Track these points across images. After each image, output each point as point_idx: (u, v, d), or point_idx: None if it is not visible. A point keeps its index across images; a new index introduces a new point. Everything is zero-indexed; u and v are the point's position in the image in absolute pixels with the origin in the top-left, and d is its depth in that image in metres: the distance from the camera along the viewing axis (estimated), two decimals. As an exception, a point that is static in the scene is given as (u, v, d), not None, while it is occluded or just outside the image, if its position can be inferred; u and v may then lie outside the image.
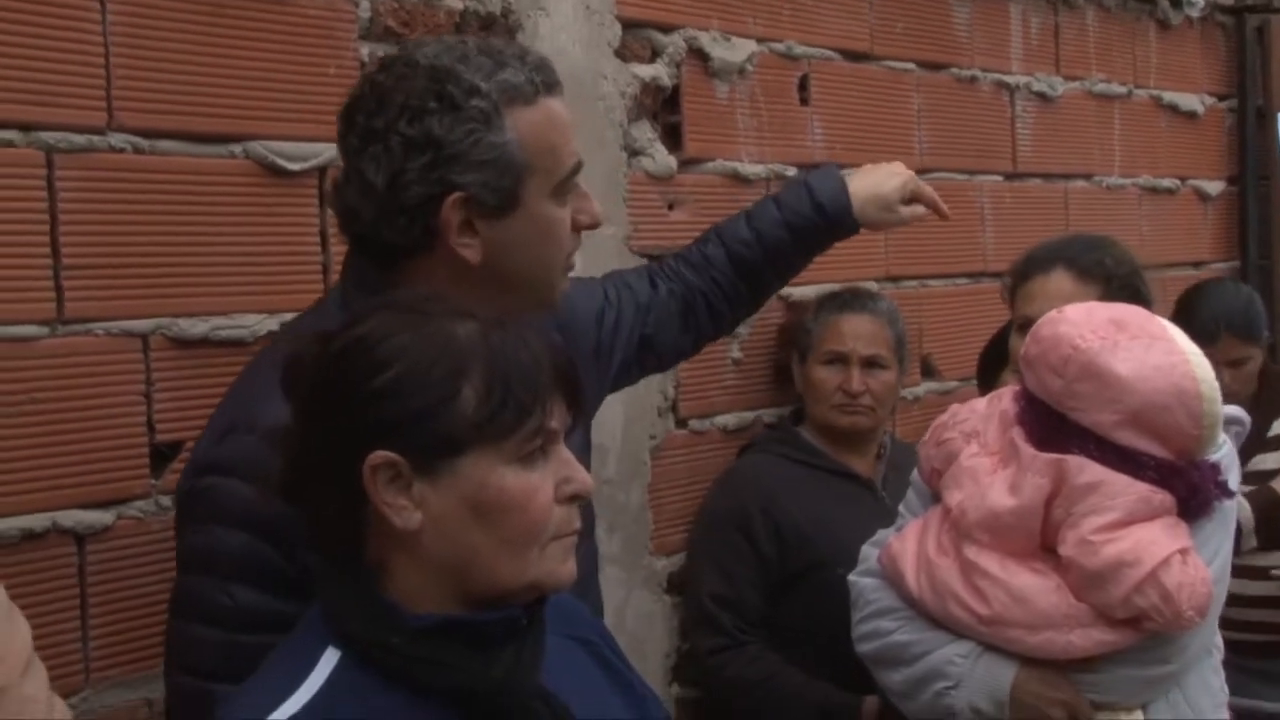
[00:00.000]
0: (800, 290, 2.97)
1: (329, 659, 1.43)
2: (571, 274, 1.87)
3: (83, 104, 1.96)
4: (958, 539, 2.26)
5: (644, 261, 2.70)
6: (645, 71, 2.73)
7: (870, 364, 2.85)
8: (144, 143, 2.03)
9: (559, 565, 1.48)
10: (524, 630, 1.47)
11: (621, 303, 2.18)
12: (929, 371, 3.47)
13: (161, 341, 2.04)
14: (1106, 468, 2.13)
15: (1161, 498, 2.13)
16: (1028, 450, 2.21)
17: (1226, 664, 2.42)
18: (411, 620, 1.42)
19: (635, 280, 2.25)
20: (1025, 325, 2.39)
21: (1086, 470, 2.14)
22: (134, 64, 2.01)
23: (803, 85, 3.08)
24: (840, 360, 2.83)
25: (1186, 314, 3.27)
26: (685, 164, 2.82)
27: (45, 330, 1.92)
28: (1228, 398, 2.56)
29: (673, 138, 2.82)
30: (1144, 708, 2.24)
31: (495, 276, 1.71)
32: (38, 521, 1.91)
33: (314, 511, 1.46)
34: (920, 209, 2.39)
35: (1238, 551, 2.62)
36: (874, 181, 2.35)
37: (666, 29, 2.78)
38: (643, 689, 1.70)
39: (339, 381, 1.42)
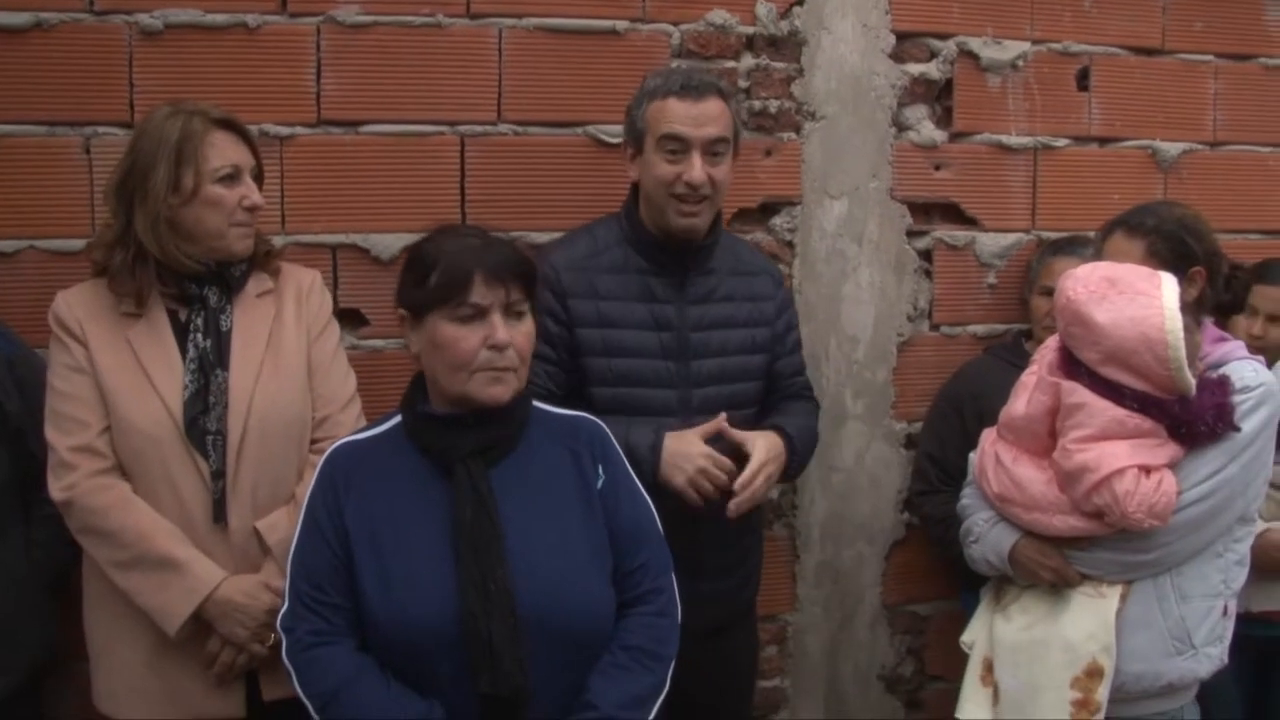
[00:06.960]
0: (1049, 235, 3.74)
1: (395, 420, 2.31)
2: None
3: (483, 108, 3.33)
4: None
5: (904, 206, 3.65)
6: (915, 69, 3.61)
7: None
8: (520, 129, 3.35)
9: (483, 387, 2.18)
10: (477, 426, 2.20)
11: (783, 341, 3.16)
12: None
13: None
14: (1094, 393, 2.58)
15: (1137, 422, 2.54)
16: (1042, 373, 2.74)
17: None
18: (420, 407, 2.26)
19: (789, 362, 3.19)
20: None
21: (1076, 393, 2.62)
22: (518, 81, 3.33)
23: (1083, 76, 3.72)
24: (1049, 294, 3.53)
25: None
26: (955, 136, 3.67)
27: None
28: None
29: (947, 118, 3.67)
30: (1128, 585, 2.63)
31: None
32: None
33: None
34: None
35: None
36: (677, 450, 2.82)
37: (942, 36, 3.62)
38: (612, 492, 2.32)
39: None
